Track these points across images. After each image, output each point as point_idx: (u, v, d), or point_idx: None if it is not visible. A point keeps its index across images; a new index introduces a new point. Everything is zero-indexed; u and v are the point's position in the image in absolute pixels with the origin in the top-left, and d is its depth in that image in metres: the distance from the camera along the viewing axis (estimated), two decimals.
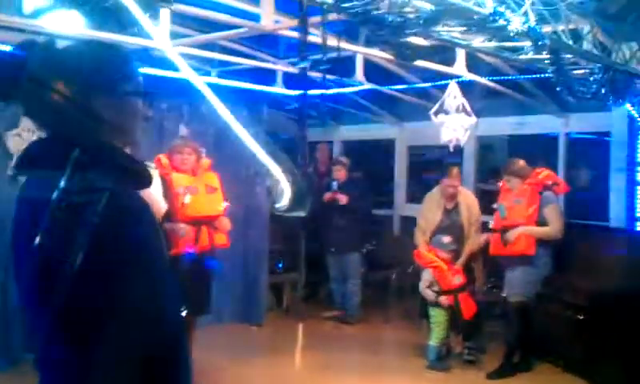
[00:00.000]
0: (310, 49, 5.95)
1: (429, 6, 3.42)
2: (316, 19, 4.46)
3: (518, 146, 8.40)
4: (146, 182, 1.96)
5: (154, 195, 4.03)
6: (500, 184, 6.38)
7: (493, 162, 8.89)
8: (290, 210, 3.60)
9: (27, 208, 1.80)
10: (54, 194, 1.64)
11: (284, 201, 3.56)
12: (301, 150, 3.75)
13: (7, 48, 3.09)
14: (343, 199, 7.58)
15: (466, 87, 6.76)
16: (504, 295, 6.15)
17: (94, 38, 2.06)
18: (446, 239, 6.30)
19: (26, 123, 5.46)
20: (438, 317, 6.22)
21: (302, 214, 3.81)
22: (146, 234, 1.93)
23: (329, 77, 7.22)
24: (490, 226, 6.39)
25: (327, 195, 7.69)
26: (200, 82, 4.02)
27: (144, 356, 1.78)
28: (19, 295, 1.89)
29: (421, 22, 3.39)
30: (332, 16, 3.81)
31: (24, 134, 5.68)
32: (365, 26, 3.37)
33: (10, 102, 1.86)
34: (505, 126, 8.28)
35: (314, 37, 5.34)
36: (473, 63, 6.28)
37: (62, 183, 1.66)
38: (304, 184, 3.53)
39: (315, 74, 7.07)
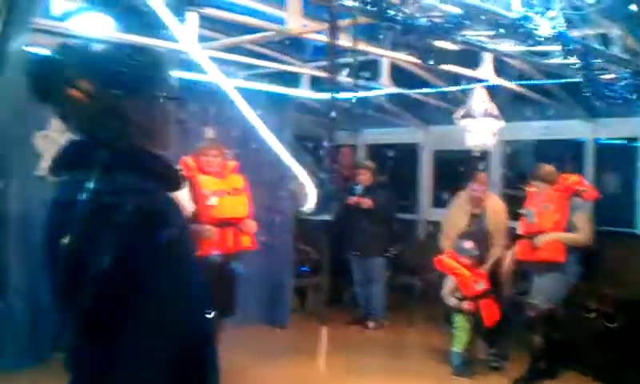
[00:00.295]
0: (340, 53, 5.99)
1: (456, 10, 3.40)
2: (342, 23, 4.47)
3: (545, 151, 8.32)
4: (177, 184, 1.99)
5: (180, 197, 4.05)
6: (527, 189, 6.32)
7: (520, 167, 8.80)
8: (316, 214, 3.61)
9: (58, 208, 1.83)
10: (84, 196, 1.68)
11: (309, 204, 3.58)
12: (327, 153, 3.76)
13: (38, 50, 3.14)
14: (367, 203, 7.57)
15: (492, 91, 6.72)
16: (531, 301, 6.09)
17: (124, 42, 2.08)
18: (468, 245, 6.26)
19: (55, 124, 5.53)
20: (460, 323, 6.18)
21: (327, 217, 3.81)
22: (173, 236, 1.95)
23: (355, 80, 7.23)
24: (518, 231, 6.33)
25: (351, 199, 7.68)
26: (227, 85, 4.04)
27: (172, 356, 1.80)
28: (49, 294, 1.92)
29: (448, 25, 3.37)
30: (359, 20, 3.81)
31: (53, 135, 5.75)
32: (391, 30, 3.36)
33: (42, 103, 1.89)
34: (532, 130, 8.20)
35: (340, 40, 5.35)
36: (500, 67, 6.23)
37: (91, 185, 1.69)
38: (329, 187, 3.53)
39: (339, 78, 7.09)
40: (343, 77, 5.12)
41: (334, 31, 3.19)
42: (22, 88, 1.70)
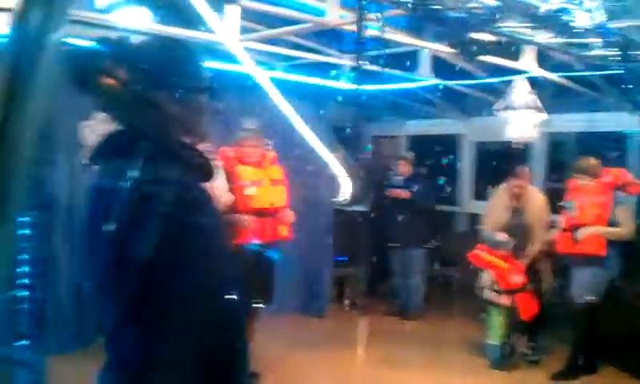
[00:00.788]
0: (373, 43, 6.01)
1: (493, 2, 3.39)
2: (389, 13, 4.48)
3: (589, 143, 8.18)
4: (210, 175, 2.05)
5: (217, 187, 4.13)
6: (570, 182, 6.24)
7: (563, 160, 8.68)
8: (350, 204, 3.64)
9: (100, 196, 1.90)
10: (127, 184, 1.74)
11: (344, 195, 3.61)
12: (359, 145, 3.79)
13: (81, 42, 3.24)
14: (404, 194, 7.57)
15: (534, 83, 6.63)
16: (571, 295, 6.03)
17: (163, 35, 2.14)
18: (501, 236, 6.21)
19: (100, 114, 5.66)
20: (497, 316, 6.15)
21: (361, 208, 3.83)
22: (211, 224, 2.02)
23: (394, 71, 7.23)
24: (559, 224, 6.26)
25: (390, 191, 7.69)
26: (263, 77, 4.10)
27: (206, 341, 1.87)
28: (92, 280, 2.00)
29: (484, 18, 3.36)
30: (394, 11, 3.82)
31: (97, 125, 5.88)
32: (426, 22, 3.37)
33: (84, 94, 1.96)
34: (576, 123, 8.06)
35: (378, 31, 5.36)
36: (542, 58, 6.15)
37: (134, 174, 1.75)
38: (364, 179, 3.56)
39: (380, 69, 7.10)
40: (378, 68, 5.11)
41: (361, 22, 3.20)
42: (65, 79, 1.78)
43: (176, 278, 1.80)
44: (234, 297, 2.08)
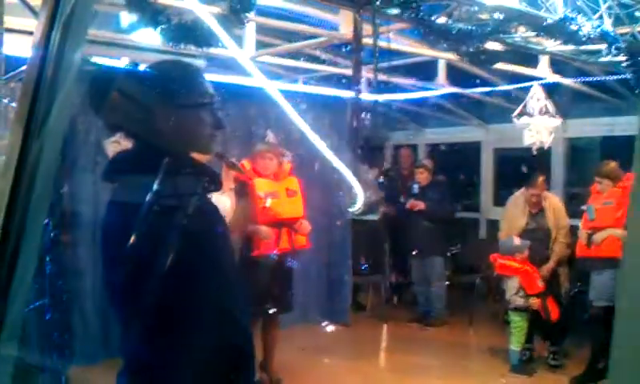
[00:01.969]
0: (388, 54, 6.09)
1: (498, 15, 3.47)
2: (394, 27, 4.59)
3: (610, 148, 8.16)
4: (218, 187, 2.16)
5: (222, 199, 4.23)
6: (591, 186, 6.24)
7: (583, 164, 8.67)
8: (363, 214, 3.72)
9: (118, 211, 2.00)
10: (148, 197, 1.82)
11: (357, 204, 3.70)
12: (376, 155, 3.88)
13: (101, 61, 3.37)
14: (420, 205, 7.64)
15: (553, 89, 6.67)
16: (590, 299, 6.03)
17: (169, 58, 2.26)
18: (516, 240, 6.24)
19: (118, 132, 5.81)
20: (518, 321, 6.18)
21: (374, 217, 3.91)
22: (223, 235, 2.13)
23: (410, 81, 7.32)
24: (580, 229, 6.27)
25: (407, 203, 7.76)
26: (273, 89, 4.22)
27: (217, 347, 1.97)
28: (109, 291, 2.10)
29: (492, 28, 3.44)
30: (402, 25, 3.92)
31: (122, 142, 6.04)
32: (431, 35, 3.46)
33: (99, 113, 2.07)
34: (595, 127, 8.06)
35: (392, 43, 5.46)
36: (560, 65, 6.20)
37: (156, 187, 1.84)
38: (376, 189, 3.65)
39: (397, 80, 7.19)
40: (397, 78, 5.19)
41: (357, 35, 3.30)
42: (85, 98, 1.88)
43: (193, 288, 1.89)
44: (243, 305, 2.19)
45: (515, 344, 6.18)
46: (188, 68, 2.18)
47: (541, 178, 6.69)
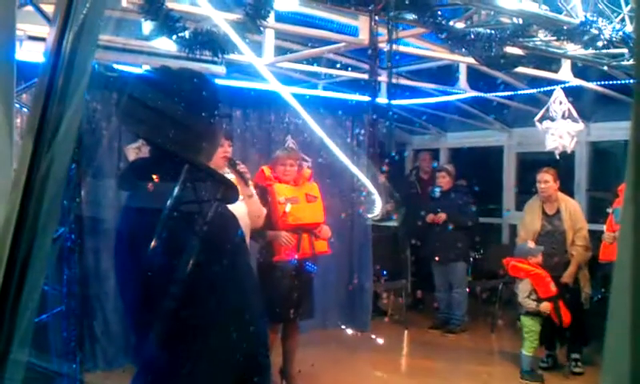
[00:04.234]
0: (409, 58, 6.08)
1: (517, 20, 3.44)
2: (413, 32, 4.58)
3: None
4: (236, 196, 2.16)
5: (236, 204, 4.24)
6: (619, 189, 6.14)
7: (608, 168, 8.57)
8: (382, 220, 3.70)
9: (137, 217, 2.01)
10: (168, 203, 1.83)
11: (376, 210, 3.68)
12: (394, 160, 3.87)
13: (129, 69, 3.37)
14: (441, 218, 7.62)
15: (576, 92, 6.60)
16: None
17: (185, 67, 2.27)
18: (531, 244, 6.16)
19: (139, 139, 5.86)
20: (530, 326, 6.11)
21: (393, 223, 3.90)
22: (241, 241, 2.13)
23: (432, 86, 7.30)
24: (603, 231, 6.19)
25: (428, 218, 7.73)
26: (289, 95, 4.24)
27: (234, 353, 1.96)
28: (127, 297, 2.11)
29: (508, 33, 3.42)
30: (419, 30, 3.90)
31: (143, 148, 6.08)
32: (450, 39, 3.44)
33: (123, 120, 2.09)
34: (619, 131, 7.95)
35: (412, 48, 5.46)
36: (583, 68, 6.12)
37: (176, 192, 1.85)
38: (394, 195, 3.64)
39: (419, 83, 7.17)
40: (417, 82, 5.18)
41: (373, 40, 3.30)
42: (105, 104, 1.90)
43: (212, 294, 1.89)
44: (260, 311, 2.19)
45: (527, 349, 6.11)
46: (208, 78, 2.19)
47: (548, 168, 6.53)
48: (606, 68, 5.67)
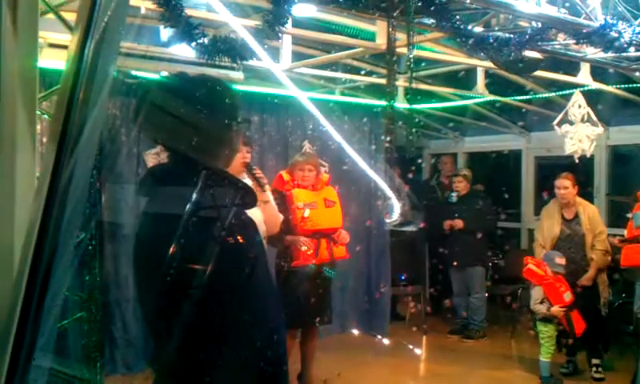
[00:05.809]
0: (427, 63, 6.07)
1: (535, 24, 3.42)
2: (430, 36, 4.57)
3: None
4: (255, 202, 2.16)
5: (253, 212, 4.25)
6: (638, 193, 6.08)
7: (627, 172, 8.49)
8: (401, 225, 3.70)
9: (155, 223, 2.02)
10: (187, 208, 1.82)
11: (394, 216, 3.68)
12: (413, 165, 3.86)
13: (148, 75, 3.39)
14: (458, 224, 7.59)
15: (595, 96, 6.56)
16: (635, 311, 5.88)
17: (204, 74, 2.29)
18: (559, 260, 6.07)
19: (157, 145, 5.89)
20: (547, 332, 6.07)
21: (412, 228, 3.89)
22: (258, 247, 2.13)
23: (449, 90, 7.28)
24: (624, 236, 6.13)
25: (445, 225, 7.70)
26: (306, 100, 4.25)
27: (253, 361, 1.97)
28: (146, 302, 2.12)
29: (526, 37, 3.40)
30: (436, 34, 3.90)
31: (162, 155, 6.12)
32: (467, 44, 3.43)
33: (141, 126, 2.10)
34: (638, 135, 7.88)
35: (430, 52, 5.45)
36: (602, 71, 6.08)
37: (194, 198, 1.85)
38: (412, 200, 3.63)
39: (437, 88, 7.16)
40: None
41: (390, 45, 3.29)
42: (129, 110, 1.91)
43: (232, 301, 1.90)
44: (278, 318, 2.18)
45: (544, 355, 6.07)
46: (227, 85, 2.20)
47: (566, 174, 6.47)
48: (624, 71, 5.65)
